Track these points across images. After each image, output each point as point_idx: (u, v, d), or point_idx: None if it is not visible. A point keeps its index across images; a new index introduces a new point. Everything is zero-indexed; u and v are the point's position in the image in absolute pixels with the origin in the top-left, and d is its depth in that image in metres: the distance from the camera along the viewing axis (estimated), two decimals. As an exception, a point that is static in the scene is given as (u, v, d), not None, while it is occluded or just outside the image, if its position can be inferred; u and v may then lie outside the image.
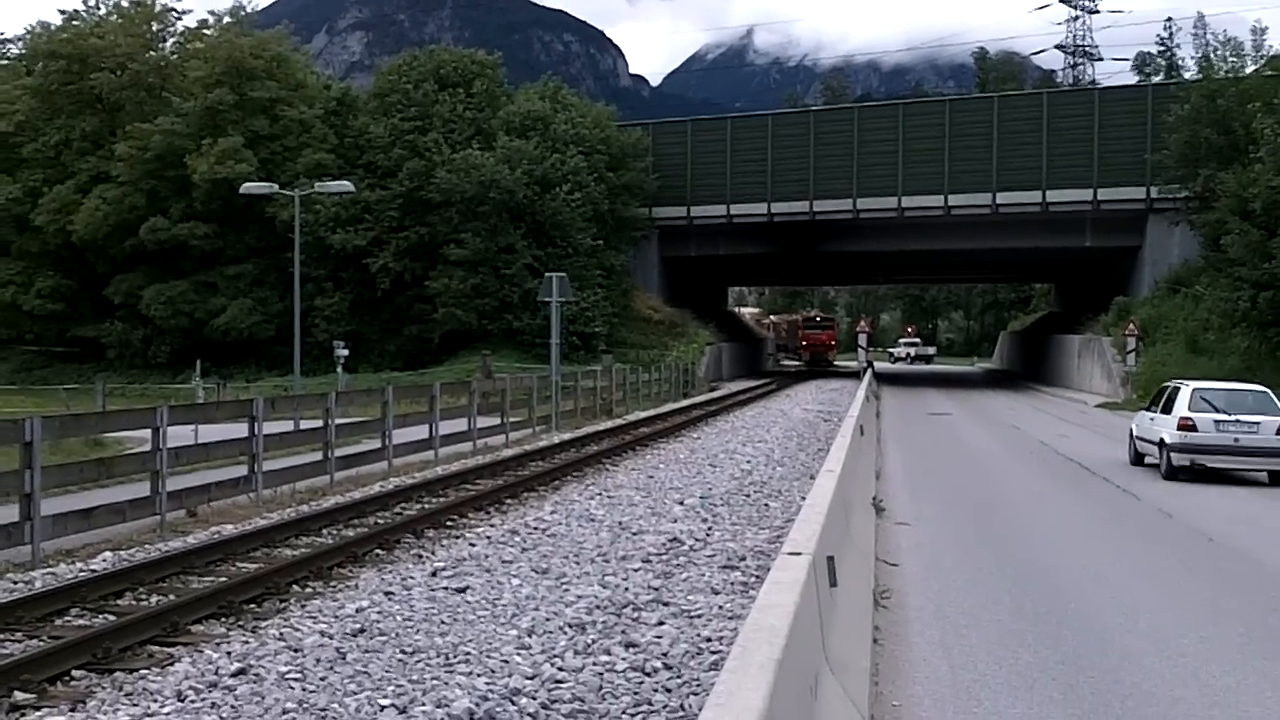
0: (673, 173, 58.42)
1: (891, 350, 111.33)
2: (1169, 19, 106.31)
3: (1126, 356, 44.45)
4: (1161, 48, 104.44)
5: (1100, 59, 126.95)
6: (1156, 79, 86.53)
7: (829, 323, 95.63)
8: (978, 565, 11.50)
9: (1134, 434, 22.12)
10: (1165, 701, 7.07)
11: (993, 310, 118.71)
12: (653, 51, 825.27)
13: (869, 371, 48.40)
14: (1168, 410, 20.17)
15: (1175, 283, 48.58)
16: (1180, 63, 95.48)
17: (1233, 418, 19.31)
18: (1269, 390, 20.72)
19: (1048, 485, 18.71)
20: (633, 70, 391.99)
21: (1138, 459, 21.64)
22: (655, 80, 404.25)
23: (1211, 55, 50.54)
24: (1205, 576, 11.19)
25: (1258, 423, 19.08)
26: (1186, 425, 19.34)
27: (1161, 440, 19.87)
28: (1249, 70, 48.34)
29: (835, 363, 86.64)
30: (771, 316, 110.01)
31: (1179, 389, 20.55)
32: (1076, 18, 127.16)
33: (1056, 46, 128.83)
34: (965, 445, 26.45)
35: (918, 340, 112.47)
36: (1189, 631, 8.78)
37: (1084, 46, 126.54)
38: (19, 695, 7.10)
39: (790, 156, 57.22)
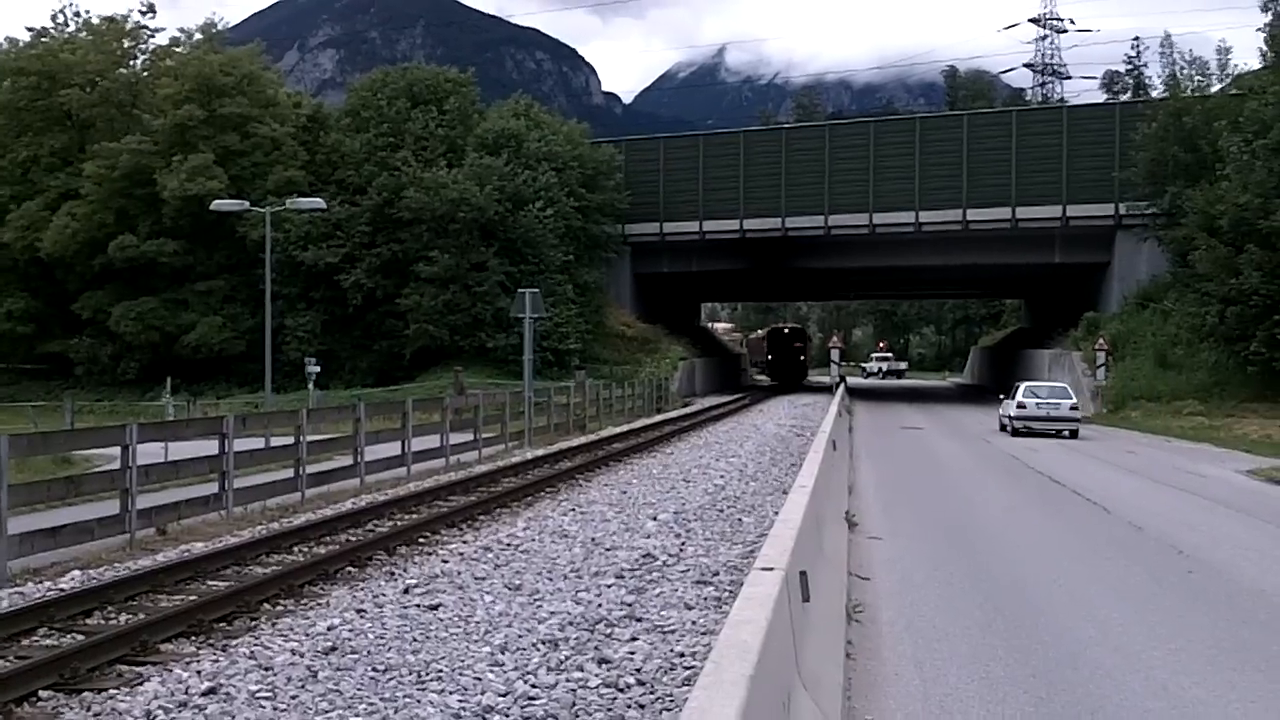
0: (645, 190, 58.58)
1: (864, 365, 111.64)
2: (1136, 38, 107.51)
3: (1096, 371, 44.79)
4: (1129, 66, 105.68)
5: (1069, 77, 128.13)
6: (1124, 97, 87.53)
7: (799, 334, 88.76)
8: (949, 579, 11.53)
9: (1000, 413, 35.92)
10: (1136, 713, 7.11)
11: (964, 325, 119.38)
12: (625, 70, 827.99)
13: (841, 386, 48.53)
14: (1012, 398, 34.47)
15: (1144, 298, 49.04)
16: (1148, 81, 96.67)
17: (1046, 400, 33.80)
18: (1068, 386, 37.68)
19: (1018, 499, 18.79)
20: (605, 88, 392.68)
21: (1001, 428, 34.86)
22: (628, 98, 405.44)
23: (1178, 74, 51.19)
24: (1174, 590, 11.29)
25: (1059, 403, 33.52)
26: (1021, 406, 33.58)
27: (1009, 415, 33.99)
28: (1215, 89, 48.98)
29: (809, 378, 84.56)
30: (759, 332, 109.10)
31: (1019, 385, 35.57)
32: (1045, 37, 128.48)
33: (1025, 65, 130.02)
34: (937, 459, 26.54)
35: (890, 355, 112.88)
36: (1158, 645, 8.84)
37: (1053, 65, 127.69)
38: (-15, 716, 7.02)
39: (762, 173, 57.49)
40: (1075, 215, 52.44)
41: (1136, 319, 48.24)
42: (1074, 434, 32.88)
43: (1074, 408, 33.64)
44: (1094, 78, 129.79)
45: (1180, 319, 44.81)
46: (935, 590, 10.94)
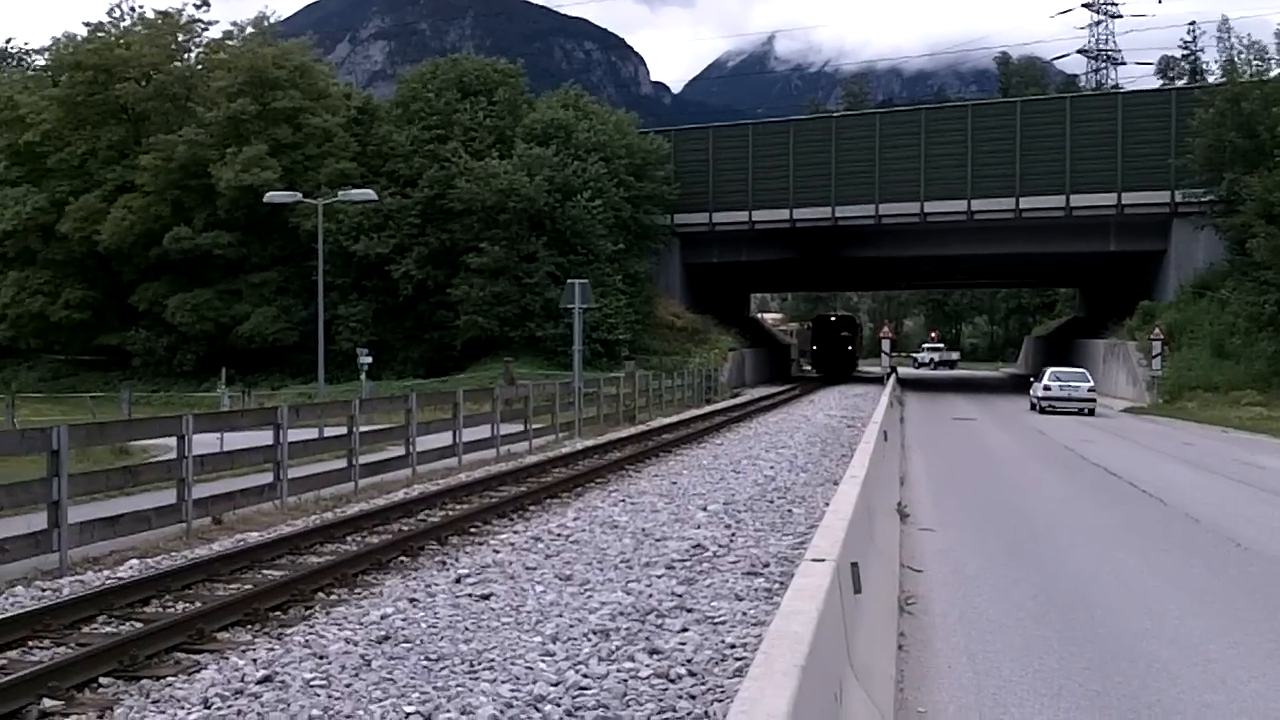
0: (695, 179, 58.48)
1: (915, 356, 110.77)
2: (1192, 23, 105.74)
3: (1152, 361, 44.26)
4: (1185, 52, 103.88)
5: (1123, 63, 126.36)
6: (1180, 83, 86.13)
7: (847, 323, 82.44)
8: (1002, 571, 11.45)
9: (1030, 394, 42.08)
10: (1193, 707, 7.02)
11: (1017, 315, 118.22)
12: (674, 59, 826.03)
13: (892, 377, 48.23)
14: (1040, 381, 40.72)
15: (1200, 286, 48.38)
16: (1204, 67, 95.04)
17: (1068, 384, 39.72)
18: (1086, 371, 42.89)
19: (1073, 491, 18.61)
20: (654, 78, 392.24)
21: (1031, 407, 40.82)
22: (677, 87, 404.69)
23: (1236, 59, 50.39)
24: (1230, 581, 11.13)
25: (1079, 386, 39.60)
26: (1047, 388, 39.69)
27: (1038, 395, 40.17)
28: (1274, 74, 48.15)
29: (859, 369, 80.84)
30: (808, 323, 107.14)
31: (1046, 370, 42.08)
32: (1099, 22, 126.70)
33: (1079, 51, 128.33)
34: (989, 450, 26.34)
35: (941, 345, 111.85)
36: (1216, 638, 8.72)
37: (1107, 51, 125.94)
38: (47, 702, 7.14)
39: (812, 162, 57.20)
40: (1130, 203, 51.79)
41: (1193, 308, 47.61)
42: (1090, 411, 38.64)
43: (1090, 390, 39.60)
44: (1149, 63, 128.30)
45: (1238, 308, 44.15)
46: (988, 582, 10.87)
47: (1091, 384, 40.05)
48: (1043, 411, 38.55)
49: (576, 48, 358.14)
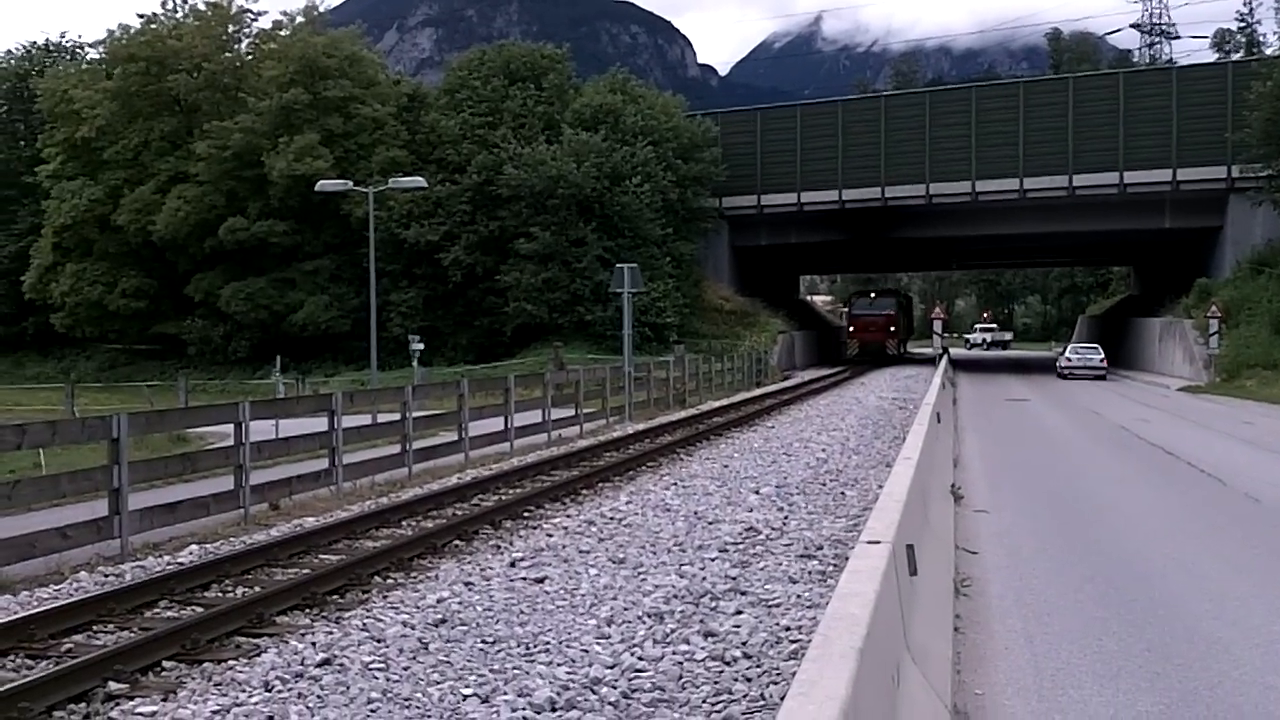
0: (742, 162, 58.19)
1: (967, 336, 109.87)
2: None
3: (1209, 339, 43.65)
4: (1241, 24, 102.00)
5: (1177, 37, 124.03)
6: (1236, 56, 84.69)
7: (890, 299, 70.82)
8: (1058, 553, 11.35)
9: (1056, 365, 52.11)
10: (1256, 689, 6.94)
11: (1070, 294, 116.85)
12: (720, 41, 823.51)
13: (944, 358, 47.85)
14: (1063, 354, 52.31)
15: (1258, 263, 47.67)
16: (1261, 39, 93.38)
17: (1083, 356, 50.10)
18: (1099, 346, 51.98)
19: (1129, 471, 18.41)
20: (701, 60, 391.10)
21: (1058, 375, 49.41)
22: (724, 70, 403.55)
23: (1294, 30, 49.44)
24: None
25: (1092, 357, 49.57)
26: (1068, 359, 50.61)
27: (1060, 365, 50.51)
28: (1334, 44, 47.19)
29: (907, 350, 74.21)
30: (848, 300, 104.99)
31: (1068, 345, 57.94)
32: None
33: (1132, 26, 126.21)
34: (1044, 431, 26.09)
35: (994, 326, 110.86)
36: (1279, 619, 8.61)
37: (1160, 25, 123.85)
38: (112, 685, 7.27)
39: (861, 143, 56.81)
40: (1186, 179, 51.08)
41: (1251, 285, 46.93)
42: (1102, 377, 47.80)
43: (1101, 360, 49.11)
44: (1204, 37, 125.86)
45: (1297, 284, 43.48)
46: (1044, 564, 10.78)
47: (1102, 356, 49.71)
48: (1065, 378, 48.40)
49: (623, 31, 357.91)
